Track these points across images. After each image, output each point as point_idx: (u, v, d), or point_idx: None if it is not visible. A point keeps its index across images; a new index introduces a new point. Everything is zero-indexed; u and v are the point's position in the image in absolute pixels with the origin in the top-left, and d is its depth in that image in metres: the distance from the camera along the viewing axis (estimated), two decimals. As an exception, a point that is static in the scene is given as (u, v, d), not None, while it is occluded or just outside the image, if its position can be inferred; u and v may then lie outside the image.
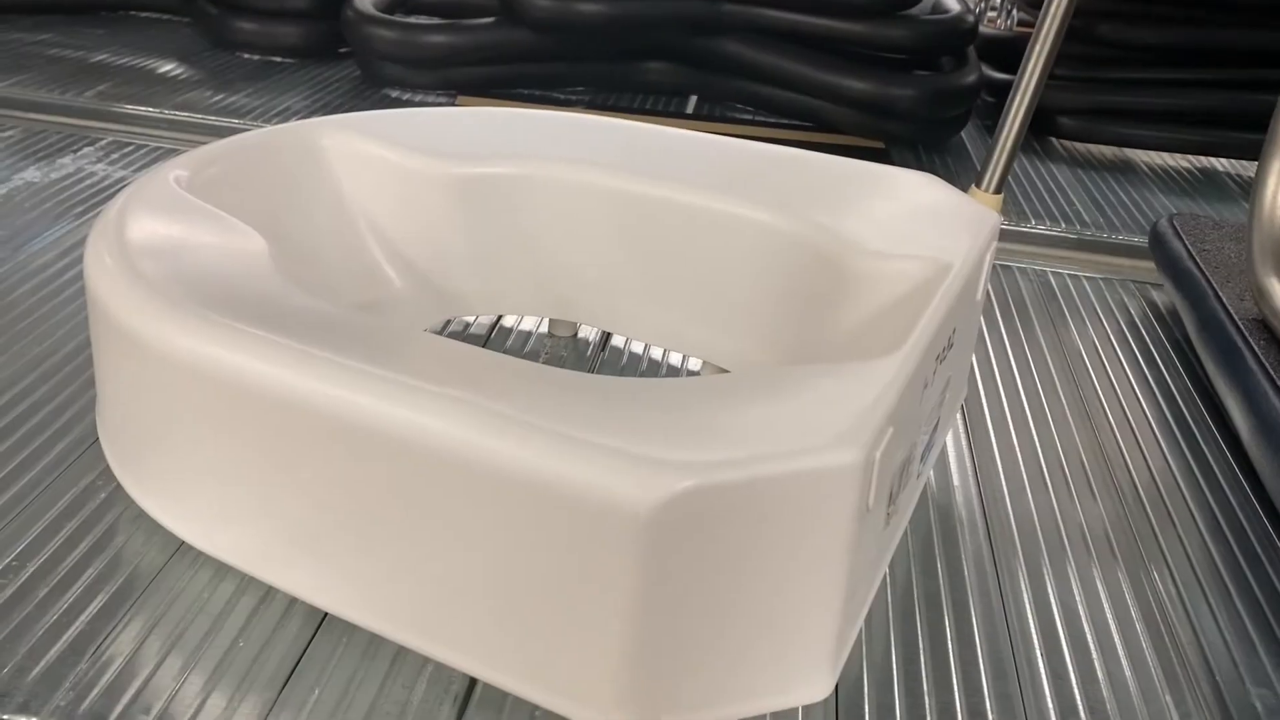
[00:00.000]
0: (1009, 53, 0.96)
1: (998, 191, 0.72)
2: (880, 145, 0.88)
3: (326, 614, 0.36)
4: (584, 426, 0.30)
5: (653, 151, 0.53)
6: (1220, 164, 0.94)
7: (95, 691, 0.33)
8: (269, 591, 0.37)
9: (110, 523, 0.40)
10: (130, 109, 0.83)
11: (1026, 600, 0.41)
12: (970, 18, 0.87)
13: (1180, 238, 0.66)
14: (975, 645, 0.38)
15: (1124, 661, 0.38)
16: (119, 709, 0.33)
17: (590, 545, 0.29)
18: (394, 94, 0.91)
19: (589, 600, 0.30)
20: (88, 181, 0.70)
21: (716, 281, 0.50)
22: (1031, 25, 0.72)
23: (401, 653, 0.35)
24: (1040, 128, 0.95)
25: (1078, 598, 0.41)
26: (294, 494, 0.34)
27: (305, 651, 0.35)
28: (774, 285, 0.48)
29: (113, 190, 0.70)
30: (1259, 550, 0.45)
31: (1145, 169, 0.92)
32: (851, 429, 0.31)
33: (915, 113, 0.85)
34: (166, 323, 0.35)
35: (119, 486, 0.41)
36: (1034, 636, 0.39)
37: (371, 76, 0.92)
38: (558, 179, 0.52)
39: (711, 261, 0.50)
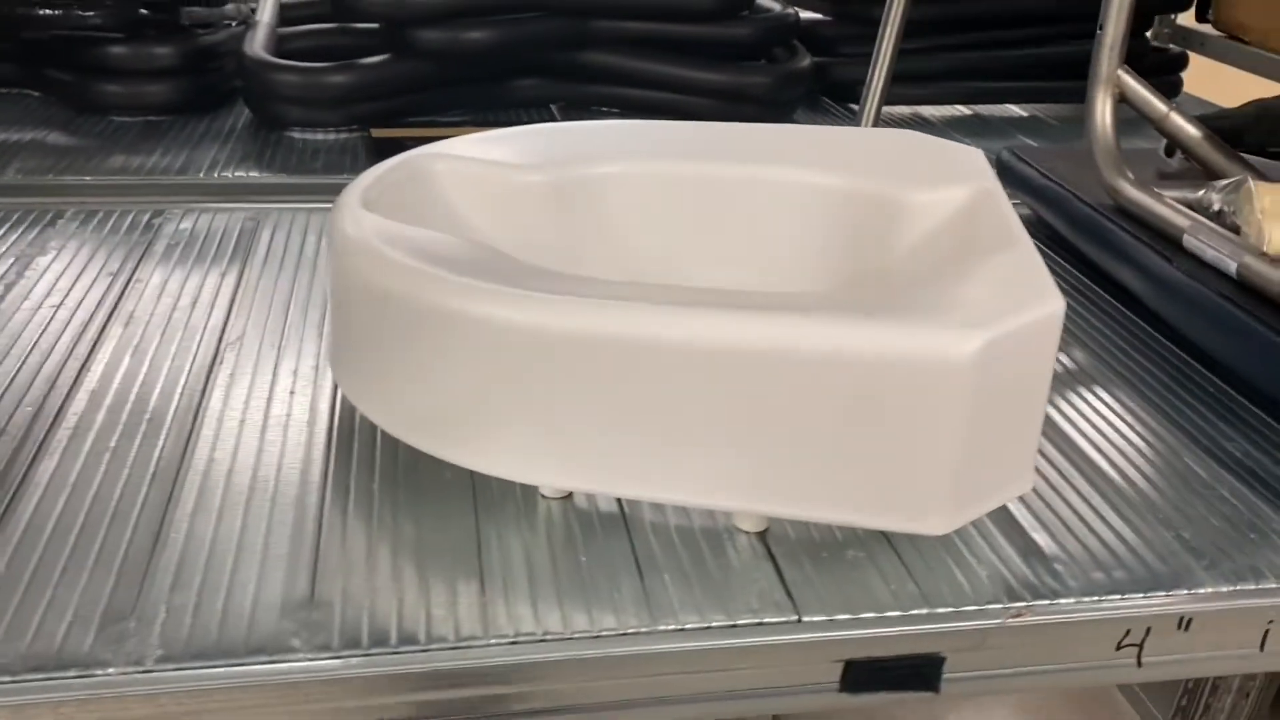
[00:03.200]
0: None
1: None
2: (743, 126, 1.04)
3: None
4: (896, 315, 0.42)
5: (699, 140, 0.64)
6: (982, 110, 1.18)
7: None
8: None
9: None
10: (71, 180, 0.84)
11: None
12: (792, 13, 1.04)
13: (1026, 163, 0.86)
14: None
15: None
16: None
17: (928, 392, 0.42)
18: (296, 134, 0.96)
19: (925, 436, 0.42)
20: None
21: (781, 238, 0.62)
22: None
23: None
24: (842, 96, 1.14)
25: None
26: (669, 417, 0.44)
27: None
28: (836, 234, 0.61)
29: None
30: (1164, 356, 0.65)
31: (935, 120, 1.14)
32: (1050, 288, 0.45)
33: (770, 97, 1.01)
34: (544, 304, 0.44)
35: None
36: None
37: (271, 120, 0.96)
38: (630, 173, 0.62)
39: (774, 222, 0.62)
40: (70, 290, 0.67)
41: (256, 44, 0.96)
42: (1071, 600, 0.46)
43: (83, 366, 0.58)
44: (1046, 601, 0.46)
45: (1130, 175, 0.75)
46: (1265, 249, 0.66)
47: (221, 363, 0.60)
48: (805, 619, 0.44)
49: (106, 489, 0.49)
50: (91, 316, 0.64)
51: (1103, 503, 0.52)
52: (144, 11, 0.98)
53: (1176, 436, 0.58)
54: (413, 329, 0.46)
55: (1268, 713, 1.18)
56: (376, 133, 0.95)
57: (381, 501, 0.49)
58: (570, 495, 0.50)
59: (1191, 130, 0.78)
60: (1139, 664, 0.47)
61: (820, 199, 0.61)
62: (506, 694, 0.42)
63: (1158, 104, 0.78)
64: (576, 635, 0.42)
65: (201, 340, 0.62)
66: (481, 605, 0.43)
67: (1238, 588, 0.47)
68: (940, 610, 0.45)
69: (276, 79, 0.93)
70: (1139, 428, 0.59)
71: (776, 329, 0.42)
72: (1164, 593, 0.47)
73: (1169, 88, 1.21)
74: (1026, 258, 0.48)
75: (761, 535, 0.48)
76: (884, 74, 0.89)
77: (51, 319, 0.63)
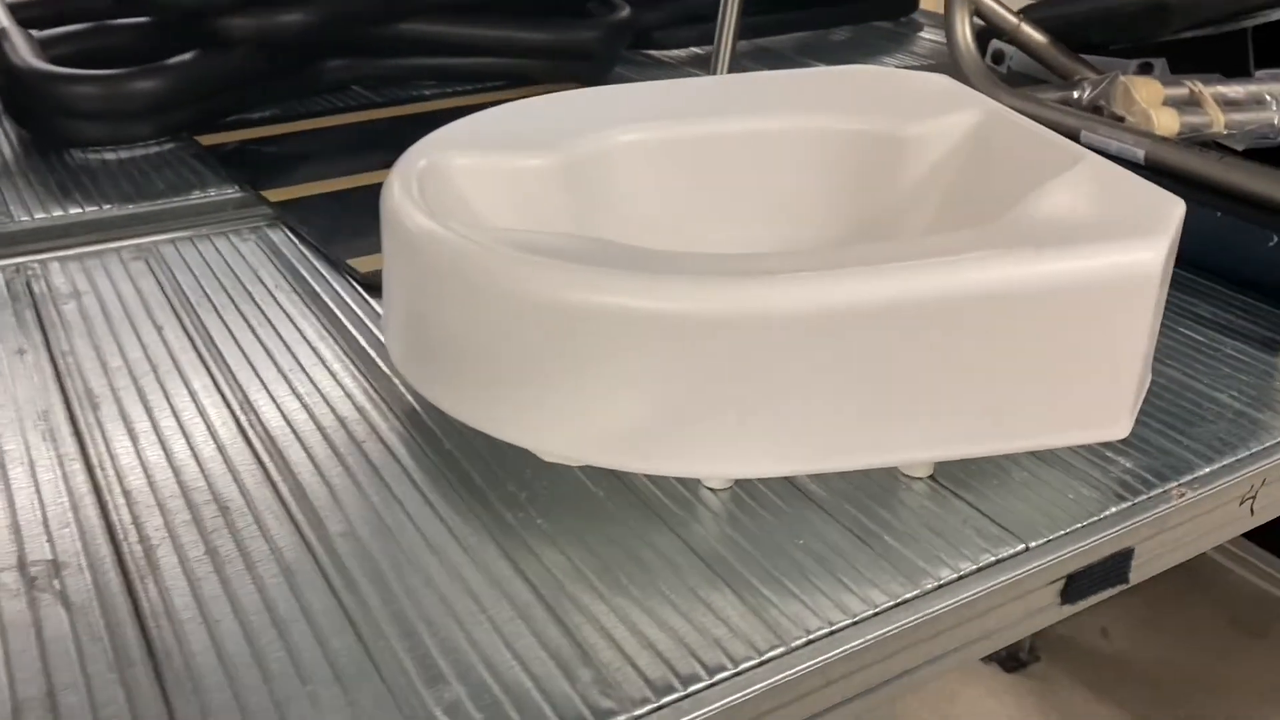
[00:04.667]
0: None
1: None
2: (579, 85, 1.01)
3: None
4: (1070, 242, 0.44)
5: (691, 98, 0.62)
6: (761, 41, 1.22)
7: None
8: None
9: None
10: None
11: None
12: (604, -37, 1.02)
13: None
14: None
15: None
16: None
17: (1123, 307, 0.44)
18: (90, 155, 0.82)
19: (1121, 348, 0.44)
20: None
21: (797, 188, 0.62)
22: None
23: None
24: (638, 45, 1.14)
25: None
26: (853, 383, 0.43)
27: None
28: (841, 175, 0.62)
29: None
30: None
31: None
32: (1161, 192, 0.48)
33: (601, 51, 0.99)
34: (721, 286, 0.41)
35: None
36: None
37: (56, 138, 0.81)
38: (634, 143, 0.59)
39: (788, 173, 0.62)
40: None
41: (22, 53, 0.81)
42: (1206, 471, 0.51)
43: None
44: (1189, 476, 0.50)
45: (1003, 84, 0.82)
46: (1162, 133, 0.75)
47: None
48: (1031, 545, 0.45)
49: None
50: None
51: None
52: None
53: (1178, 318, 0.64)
54: (616, 339, 0.42)
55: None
56: (208, 141, 0.83)
57: (567, 540, 0.45)
58: (731, 485, 0.48)
59: (1040, 38, 0.85)
60: (1251, 512, 0.53)
61: (824, 143, 0.61)
62: (826, 690, 0.40)
63: (1009, 16, 0.84)
64: (869, 613, 0.41)
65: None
66: (755, 611, 0.41)
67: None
68: (1125, 506, 0.48)
69: (70, 92, 0.79)
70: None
71: (969, 274, 0.43)
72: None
73: None
74: (1107, 167, 0.51)
75: (933, 478, 0.49)
76: (733, 22, 0.90)
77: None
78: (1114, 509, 0.48)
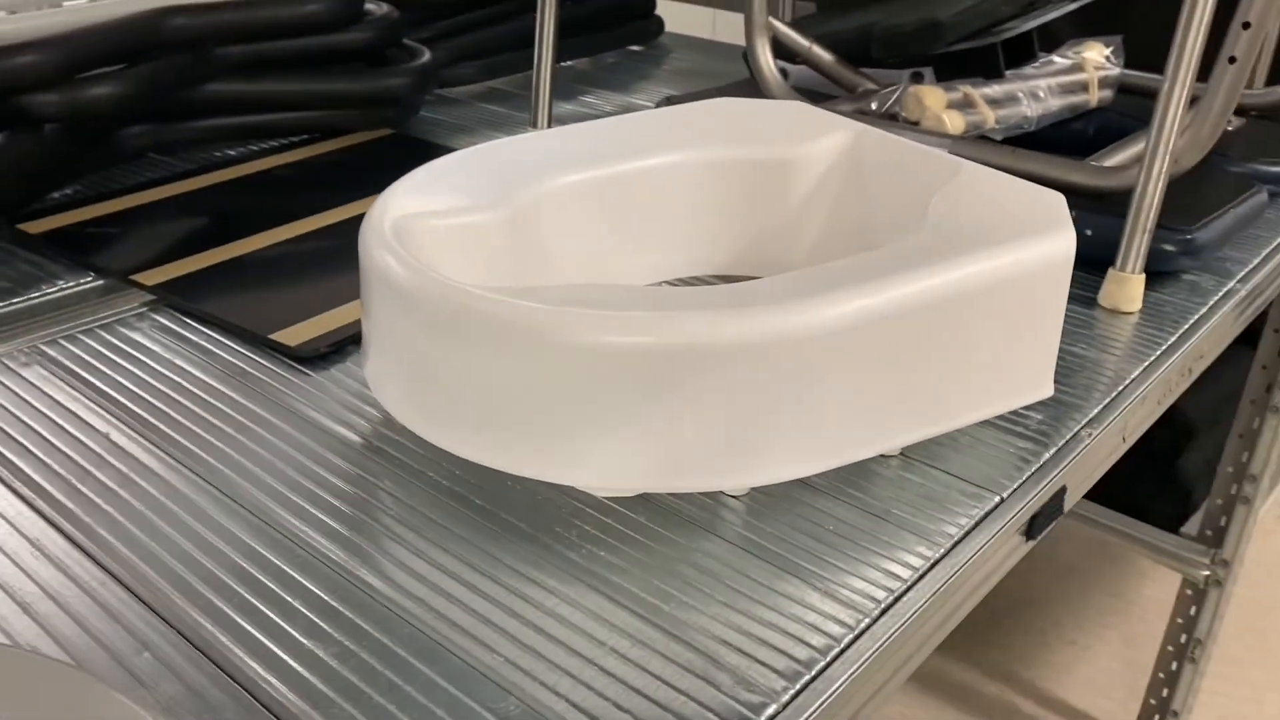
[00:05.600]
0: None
1: (548, 126, 0.95)
2: (389, 131, 1.01)
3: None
4: (995, 243, 0.52)
5: (601, 140, 0.66)
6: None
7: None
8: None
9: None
10: None
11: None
12: (397, 11, 1.03)
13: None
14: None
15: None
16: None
17: (1048, 291, 0.53)
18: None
19: (1046, 325, 0.54)
20: None
21: (695, 214, 0.67)
22: None
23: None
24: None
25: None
26: (847, 390, 0.49)
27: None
28: (737, 199, 0.68)
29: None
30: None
31: (515, 89, 1.20)
32: (1038, 187, 0.58)
33: (411, 95, 1.00)
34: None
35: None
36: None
37: None
38: (559, 186, 0.63)
39: (687, 201, 0.67)
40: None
41: None
42: (1096, 411, 0.61)
43: None
44: (1085, 419, 0.61)
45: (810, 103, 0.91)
46: (953, 133, 0.87)
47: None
48: (1004, 496, 0.54)
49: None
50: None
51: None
52: None
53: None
54: (649, 376, 0.46)
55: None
56: (32, 228, 0.77)
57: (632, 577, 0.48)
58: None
59: (828, 57, 0.95)
60: (1124, 440, 0.65)
61: (725, 172, 0.68)
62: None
63: (801, 39, 0.94)
64: (916, 576, 0.48)
65: None
66: (828, 594, 0.46)
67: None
68: (1054, 451, 0.57)
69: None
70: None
71: (938, 281, 0.50)
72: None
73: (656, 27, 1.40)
74: (984, 172, 0.61)
75: (903, 454, 0.56)
76: (548, 65, 0.94)
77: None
78: (1048, 454, 0.57)
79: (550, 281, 0.65)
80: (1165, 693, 1.38)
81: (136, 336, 0.65)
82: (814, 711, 0.41)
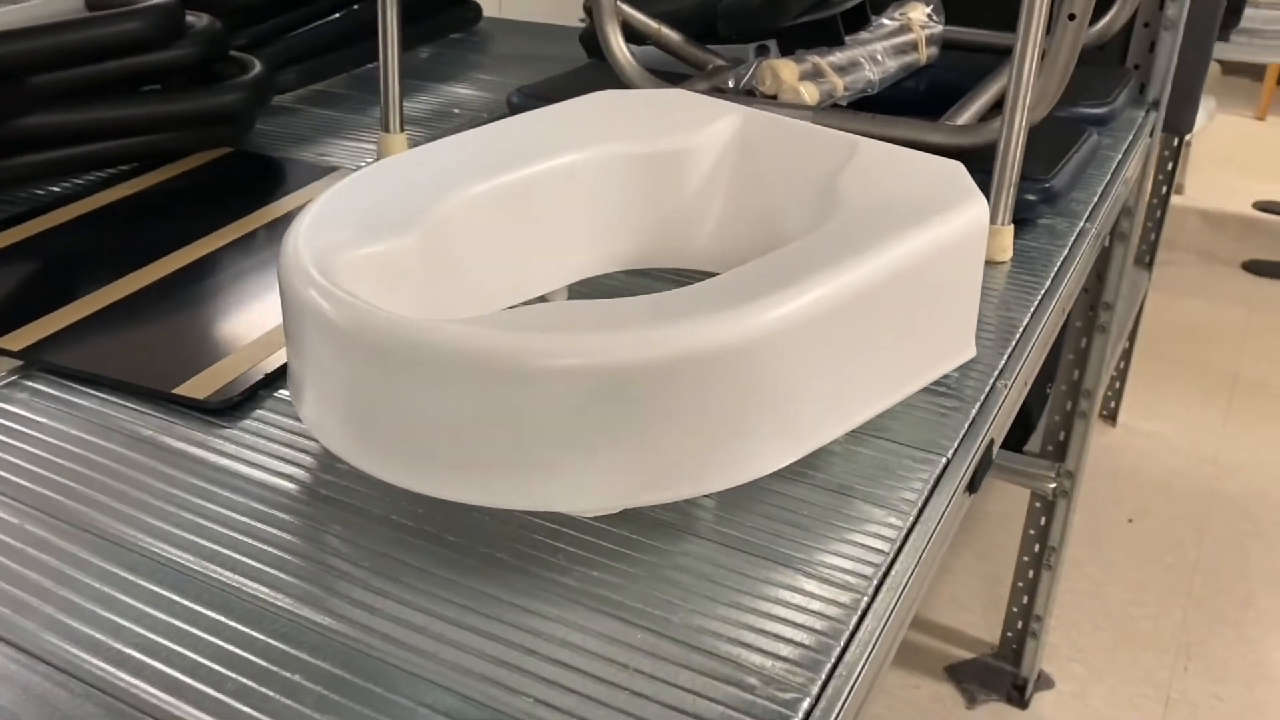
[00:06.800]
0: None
1: (401, 130, 0.93)
2: (228, 150, 0.95)
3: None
4: (917, 219, 0.54)
5: (492, 146, 0.64)
6: (358, 72, 1.22)
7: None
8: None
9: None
10: None
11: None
12: (219, 22, 0.97)
13: (542, 98, 0.96)
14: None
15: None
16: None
17: (970, 257, 0.55)
18: None
19: (968, 290, 0.56)
20: None
21: (595, 213, 0.67)
22: None
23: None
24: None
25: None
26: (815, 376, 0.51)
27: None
28: (638, 193, 0.68)
29: None
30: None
31: (342, 90, 1.15)
32: (936, 158, 0.60)
33: (249, 109, 0.94)
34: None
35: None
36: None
37: None
38: (466, 199, 0.61)
39: (589, 199, 0.66)
40: None
41: None
42: (1003, 364, 0.65)
43: None
44: (996, 371, 0.64)
45: (669, 85, 0.92)
46: (811, 103, 0.89)
47: None
48: (950, 457, 0.56)
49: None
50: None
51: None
52: None
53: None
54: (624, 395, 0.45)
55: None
56: None
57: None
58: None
59: (677, 37, 0.96)
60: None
61: (622, 168, 0.67)
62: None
63: (650, 21, 0.94)
64: (895, 549, 0.50)
65: None
66: (821, 578, 0.48)
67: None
68: (978, 408, 0.61)
69: None
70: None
71: (860, 271, 0.51)
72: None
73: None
74: (880, 147, 0.63)
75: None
76: (395, 64, 0.91)
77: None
78: (974, 410, 0.60)
79: (472, 297, 0.64)
80: (1026, 600, 1.48)
81: (15, 409, 0.60)
82: (844, 700, 0.42)
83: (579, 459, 0.46)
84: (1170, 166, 1.84)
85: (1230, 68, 3.90)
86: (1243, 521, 1.89)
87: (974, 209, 0.56)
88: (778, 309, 0.48)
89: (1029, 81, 0.73)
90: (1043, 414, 1.47)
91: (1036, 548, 1.44)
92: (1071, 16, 0.75)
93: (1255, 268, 2.80)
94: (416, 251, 0.57)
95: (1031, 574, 1.46)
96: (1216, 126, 3.67)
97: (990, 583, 1.73)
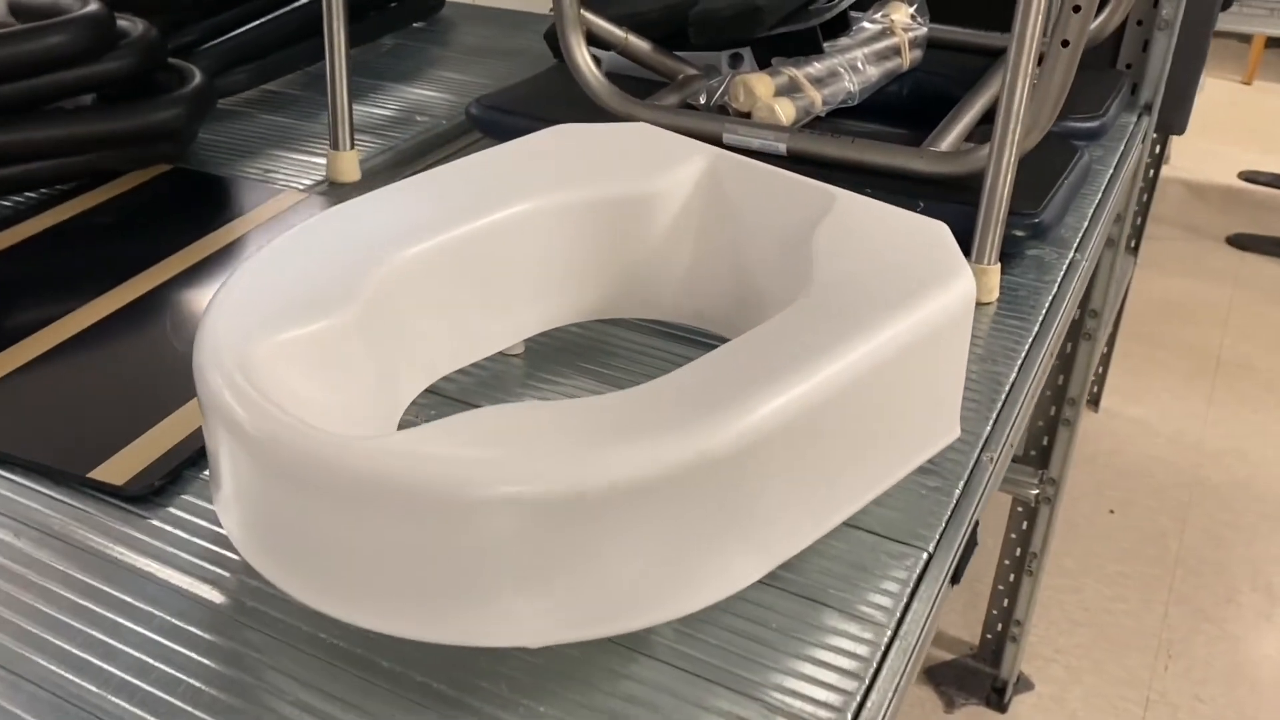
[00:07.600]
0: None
1: (351, 148, 0.87)
2: (166, 168, 0.89)
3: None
4: (901, 297, 0.50)
5: (437, 196, 0.59)
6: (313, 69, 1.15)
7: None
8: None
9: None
10: None
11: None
12: (154, 29, 0.90)
13: (501, 110, 0.90)
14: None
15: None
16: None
17: (956, 336, 0.51)
18: None
19: (954, 370, 0.52)
20: None
21: (551, 264, 0.62)
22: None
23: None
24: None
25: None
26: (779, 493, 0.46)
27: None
28: (597, 241, 0.63)
29: None
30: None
31: (294, 90, 1.09)
32: (925, 219, 0.56)
33: (189, 124, 0.88)
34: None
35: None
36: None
37: None
38: (409, 261, 0.56)
39: (541, 250, 0.61)
40: None
41: None
42: (988, 431, 0.61)
43: None
44: (981, 441, 0.60)
45: (638, 100, 0.86)
46: (786, 124, 0.84)
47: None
48: (931, 551, 0.52)
49: None
50: None
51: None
52: None
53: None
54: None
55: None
56: None
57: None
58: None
59: (645, 46, 0.90)
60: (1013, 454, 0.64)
61: (584, 214, 0.62)
62: None
63: (617, 31, 0.88)
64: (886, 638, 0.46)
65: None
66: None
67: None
68: (962, 485, 0.56)
69: None
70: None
71: (835, 366, 0.46)
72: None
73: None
74: (861, 203, 0.58)
75: (821, 517, 0.54)
76: (343, 74, 0.85)
77: None
78: (958, 491, 0.56)
79: (423, 368, 0.59)
80: (1006, 603, 1.46)
81: (-84, 494, 0.55)
82: None
83: (519, 591, 0.42)
84: (1158, 149, 1.80)
85: (1217, 31, 3.84)
86: (1224, 512, 1.87)
87: (959, 284, 0.51)
88: (747, 417, 0.43)
89: (1018, 117, 0.68)
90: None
91: (1018, 552, 1.41)
92: (1065, 43, 0.70)
93: (1239, 242, 2.77)
94: (356, 326, 0.52)
95: (1012, 578, 1.44)
96: (1203, 92, 3.62)
97: (969, 581, 1.70)
